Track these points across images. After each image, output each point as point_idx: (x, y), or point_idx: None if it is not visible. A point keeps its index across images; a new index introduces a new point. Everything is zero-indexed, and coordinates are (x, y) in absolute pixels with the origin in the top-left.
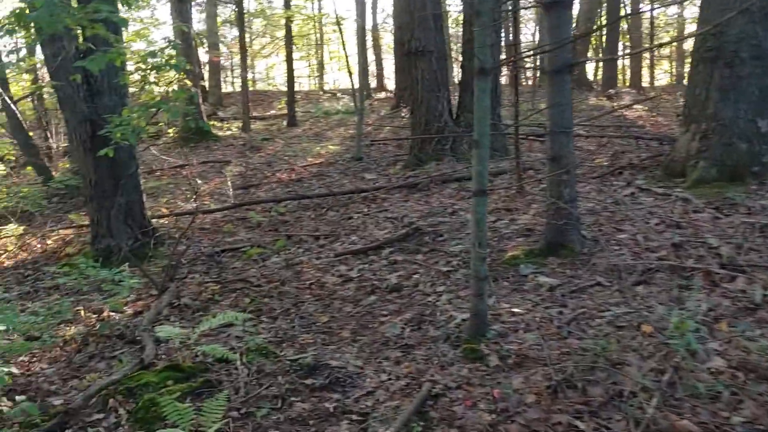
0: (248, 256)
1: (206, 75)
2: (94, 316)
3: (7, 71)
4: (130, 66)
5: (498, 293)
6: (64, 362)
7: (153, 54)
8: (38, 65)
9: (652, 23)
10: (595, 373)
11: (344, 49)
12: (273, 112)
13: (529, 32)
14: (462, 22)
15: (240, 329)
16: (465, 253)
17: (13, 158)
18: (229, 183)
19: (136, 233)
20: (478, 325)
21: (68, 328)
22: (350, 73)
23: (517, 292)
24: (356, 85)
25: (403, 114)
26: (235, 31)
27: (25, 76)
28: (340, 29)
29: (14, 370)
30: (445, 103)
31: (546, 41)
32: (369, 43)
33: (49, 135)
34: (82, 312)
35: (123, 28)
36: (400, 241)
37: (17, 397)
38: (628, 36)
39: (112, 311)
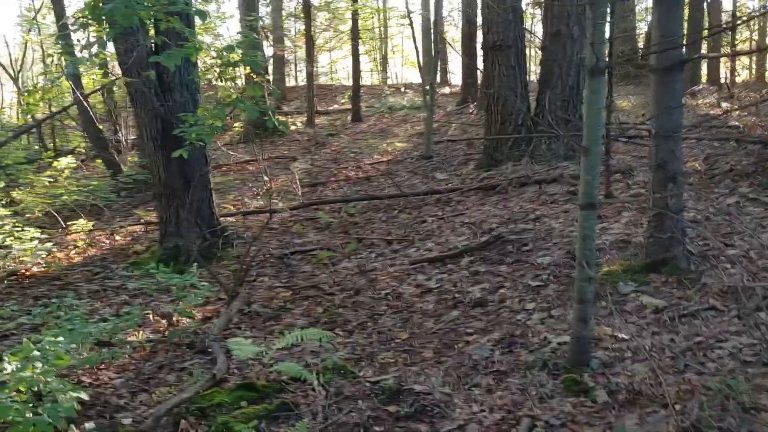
0: (318, 259)
1: (270, 69)
2: (164, 321)
3: (81, 67)
4: (201, 61)
5: (596, 314)
6: (133, 371)
7: (231, 48)
8: (108, 59)
9: (734, 15)
10: (726, 419)
11: (415, 43)
12: (336, 106)
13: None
14: (543, 15)
15: (316, 344)
16: (555, 266)
17: (84, 151)
18: (298, 181)
19: (204, 233)
20: (579, 352)
21: (137, 333)
22: (419, 68)
23: (618, 313)
24: (424, 80)
25: (470, 110)
26: (299, 25)
27: (96, 69)
28: (411, 23)
29: (84, 396)
30: (523, 100)
31: (654, 35)
32: (433, 36)
33: (118, 128)
34: (151, 316)
35: (201, 21)
36: (480, 249)
37: (86, 425)
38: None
39: (182, 316)
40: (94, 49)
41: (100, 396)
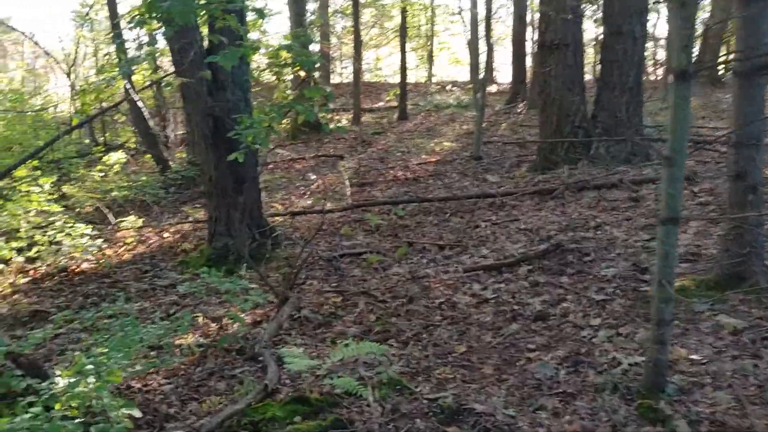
0: (368, 263)
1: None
2: (213, 324)
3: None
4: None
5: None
6: (183, 377)
7: (288, 47)
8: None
9: None
10: None
11: (470, 39)
12: (381, 104)
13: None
14: (603, 13)
15: (371, 355)
16: (620, 279)
17: (134, 146)
18: (347, 181)
19: (254, 233)
20: (655, 376)
21: (187, 337)
22: (471, 65)
23: (692, 333)
24: (472, 78)
25: (519, 109)
26: (345, 22)
27: (146, 65)
28: (463, 19)
29: (136, 413)
30: (580, 101)
31: (739, 38)
32: (480, 33)
33: (166, 124)
34: (201, 319)
35: (261, 19)
36: (539, 258)
37: None
38: None
39: (232, 320)
40: (147, 48)
41: (150, 404)
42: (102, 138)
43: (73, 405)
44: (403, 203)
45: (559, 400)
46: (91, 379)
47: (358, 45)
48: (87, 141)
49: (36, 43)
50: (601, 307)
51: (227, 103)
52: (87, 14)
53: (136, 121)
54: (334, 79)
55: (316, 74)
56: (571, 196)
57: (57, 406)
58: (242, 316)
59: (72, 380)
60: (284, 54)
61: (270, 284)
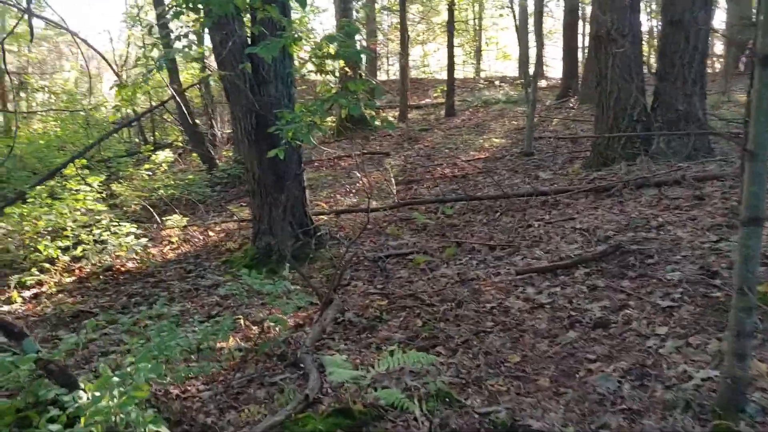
0: (415, 264)
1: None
2: (255, 327)
3: (178, 58)
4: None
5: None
6: (222, 383)
7: (331, 38)
8: (206, 53)
9: None
10: None
11: (519, 34)
12: (428, 100)
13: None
14: (663, 1)
15: (417, 364)
16: (687, 283)
17: (181, 145)
18: (393, 179)
19: (297, 232)
20: (733, 394)
21: (228, 341)
22: (520, 61)
23: None
24: (522, 73)
25: (571, 104)
26: (391, 18)
27: (194, 63)
28: (514, 13)
29: (164, 430)
30: (638, 94)
31: None
32: (530, 27)
33: (214, 122)
34: (242, 322)
35: (301, 8)
36: (597, 260)
37: None
38: None
39: (273, 323)
40: (186, 40)
41: (188, 412)
42: (152, 137)
43: (97, 420)
44: (451, 201)
45: (623, 418)
46: (117, 392)
47: (405, 41)
48: (137, 140)
49: (88, 45)
50: (667, 315)
51: (269, 99)
52: (138, 15)
53: (183, 119)
54: (381, 76)
55: (362, 71)
56: (630, 194)
57: (81, 421)
58: (284, 318)
59: (96, 394)
60: (329, 47)
61: (313, 286)
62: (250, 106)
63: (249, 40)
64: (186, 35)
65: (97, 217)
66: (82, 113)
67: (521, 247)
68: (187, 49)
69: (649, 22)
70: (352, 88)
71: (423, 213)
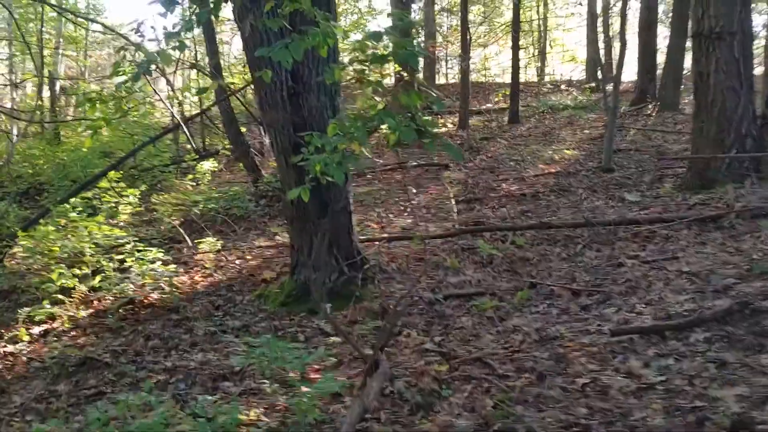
0: (481, 309)
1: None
2: (282, 397)
3: (224, 64)
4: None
5: None
6: None
7: (377, 36)
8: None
9: None
10: None
11: (588, 35)
12: (489, 105)
13: None
14: None
15: None
16: None
17: (227, 154)
18: (452, 199)
19: (341, 266)
20: None
21: (248, 412)
22: (588, 63)
23: None
24: (590, 77)
25: (649, 110)
26: (450, 20)
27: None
28: (592, 11)
29: None
30: (748, 103)
31: None
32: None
33: (262, 131)
34: (268, 387)
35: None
36: (718, 321)
37: None
38: None
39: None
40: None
41: None
42: (201, 144)
43: None
44: (521, 230)
45: None
46: None
47: (466, 43)
48: (188, 147)
49: (139, 49)
50: None
51: (310, 111)
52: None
53: (228, 127)
54: (439, 80)
55: (420, 75)
56: (744, 226)
57: None
58: (315, 404)
59: None
60: (377, 46)
61: (355, 345)
62: (286, 120)
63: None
64: (176, 34)
65: (120, 240)
66: (131, 120)
67: (613, 294)
68: (171, 50)
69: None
70: (405, 102)
71: (488, 241)
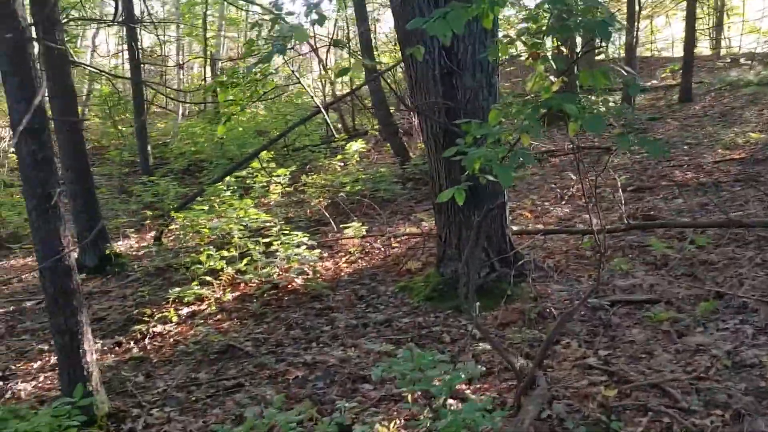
0: (654, 321)
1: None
2: (425, 405)
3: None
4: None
5: None
6: None
7: (558, 0)
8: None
9: None
10: None
11: None
12: (654, 82)
13: None
14: None
15: None
16: None
17: (376, 134)
18: (620, 189)
19: (492, 261)
20: None
21: (392, 418)
22: None
23: None
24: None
25: None
26: None
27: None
28: None
29: None
30: None
31: None
32: None
33: (411, 110)
34: (409, 397)
35: None
36: None
37: None
38: None
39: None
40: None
41: None
42: (351, 124)
43: None
44: (702, 227)
45: None
46: None
47: (633, 14)
48: (339, 127)
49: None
50: None
51: (464, 91)
52: None
53: (378, 107)
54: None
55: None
56: None
57: None
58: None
59: None
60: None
61: (507, 357)
62: (437, 101)
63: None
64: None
65: (267, 224)
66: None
67: None
68: (304, 23)
69: None
70: (586, 83)
71: (661, 238)
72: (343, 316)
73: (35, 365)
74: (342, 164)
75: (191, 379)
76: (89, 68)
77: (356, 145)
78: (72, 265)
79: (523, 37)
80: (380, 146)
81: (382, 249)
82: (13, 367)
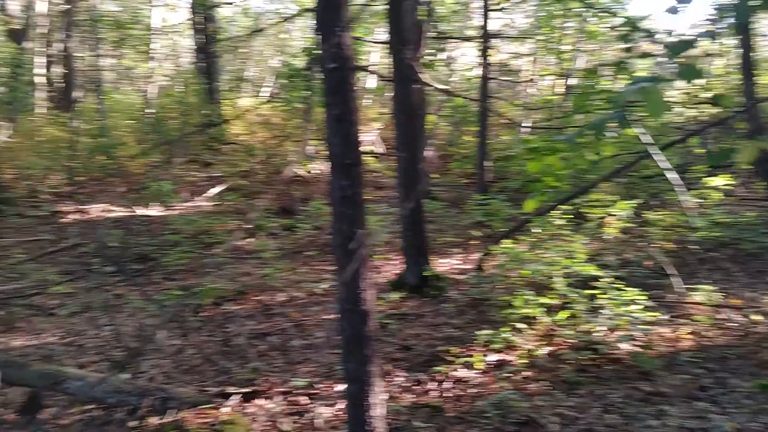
0: None
1: None
2: None
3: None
4: None
5: None
6: None
7: None
8: None
9: None
10: None
11: None
12: None
13: None
14: None
15: None
16: None
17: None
18: None
19: None
20: None
21: None
22: None
23: None
24: None
25: None
26: None
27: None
28: None
29: None
30: None
31: None
32: None
33: None
34: None
35: None
36: None
37: None
38: None
39: None
40: None
41: None
42: (716, 151)
43: None
44: None
45: None
46: None
47: None
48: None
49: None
50: None
51: None
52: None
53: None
54: None
55: None
56: None
57: None
58: None
59: None
60: None
61: None
62: None
63: None
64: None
65: (593, 273)
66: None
67: None
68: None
69: None
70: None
71: None
72: (676, 411)
73: (337, 387)
74: (698, 201)
75: None
76: (427, 85)
77: (718, 180)
78: (369, 310)
79: None
80: (750, 182)
81: (739, 321)
82: (320, 386)
